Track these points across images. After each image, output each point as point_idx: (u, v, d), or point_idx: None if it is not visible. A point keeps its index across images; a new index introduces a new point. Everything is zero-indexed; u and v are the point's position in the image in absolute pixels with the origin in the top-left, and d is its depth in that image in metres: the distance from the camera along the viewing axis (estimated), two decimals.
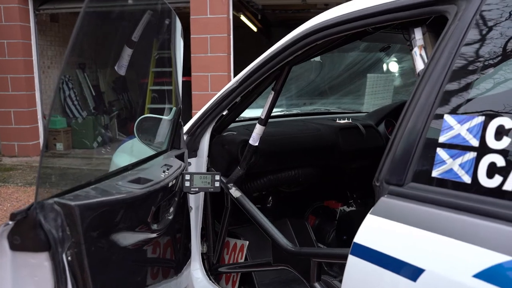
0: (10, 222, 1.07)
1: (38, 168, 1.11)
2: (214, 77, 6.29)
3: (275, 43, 1.82)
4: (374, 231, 1.11)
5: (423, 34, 1.30)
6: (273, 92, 1.92)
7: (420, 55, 1.28)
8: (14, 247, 1.09)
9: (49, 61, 8.17)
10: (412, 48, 1.31)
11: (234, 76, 6.40)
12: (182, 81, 2.06)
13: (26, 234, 1.09)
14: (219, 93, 2.05)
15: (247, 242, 2.24)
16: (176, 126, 1.93)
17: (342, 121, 2.59)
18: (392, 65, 4.27)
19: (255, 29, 9.62)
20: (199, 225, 2.17)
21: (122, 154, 2.74)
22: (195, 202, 2.12)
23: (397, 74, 4.35)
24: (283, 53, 1.75)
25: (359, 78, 3.74)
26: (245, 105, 2.08)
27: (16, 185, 5.85)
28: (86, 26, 1.15)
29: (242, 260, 2.23)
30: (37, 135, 7.55)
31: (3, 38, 7.09)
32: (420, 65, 1.26)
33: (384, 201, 1.12)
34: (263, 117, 1.95)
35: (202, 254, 2.22)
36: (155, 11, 1.72)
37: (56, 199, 1.12)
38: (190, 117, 6.31)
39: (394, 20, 1.33)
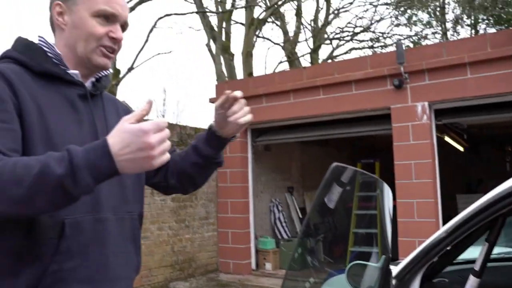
0: None
1: None
2: (420, 204, 6.14)
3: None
4: None
5: None
6: (487, 244, 1.85)
7: None
8: None
9: (262, 186, 9.03)
10: None
11: (442, 201, 6.19)
12: None
13: None
14: (427, 241, 2.05)
15: None
16: (385, 274, 1.98)
17: None
18: None
19: (461, 148, 9.26)
20: None
21: None
22: None
23: None
24: (496, 204, 1.71)
25: None
26: (456, 253, 2.03)
27: None
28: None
29: None
30: (249, 255, 8.19)
31: (227, 167, 8.18)
32: None
33: None
34: (477, 268, 1.87)
35: None
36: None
37: None
38: (396, 244, 6.15)
39: None
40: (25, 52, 1.30)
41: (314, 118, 7.47)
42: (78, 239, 1.21)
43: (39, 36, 1.36)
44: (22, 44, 1.33)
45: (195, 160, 1.53)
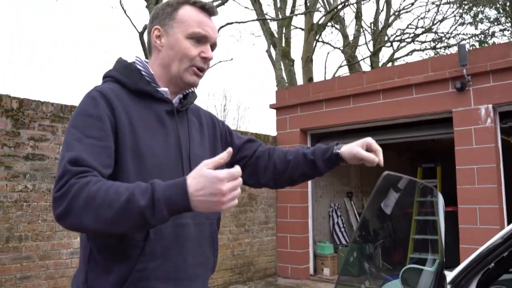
0: None
1: None
2: (483, 210, 5.92)
3: None
4: None
5: None
6: None
7: None
8: None
9: (321, 191, 9.03)
10: None
11: (507, 209, 5.94)
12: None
13: None
14: (483, 247, 2.05)
15: None
16: (439, 279, 1.99)
17: None
18: None
19: None
20: None
21: None
22: None
23: None
24: None
25: None
26: None
27: None
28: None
29: None
30: (307, 259, 8.21)
31: None
32: None
33: None
34: None
35: None
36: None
37: None
38: (457, 251, 5.98)
39: None
40: (123, 73, 1.49)
41: (374, 122, 7.40)
42: (160, 242, 1.37)
43: (136, 57, 1.55)
44: (122, 66, 1.52)
45: (306, 170, 1.69)
